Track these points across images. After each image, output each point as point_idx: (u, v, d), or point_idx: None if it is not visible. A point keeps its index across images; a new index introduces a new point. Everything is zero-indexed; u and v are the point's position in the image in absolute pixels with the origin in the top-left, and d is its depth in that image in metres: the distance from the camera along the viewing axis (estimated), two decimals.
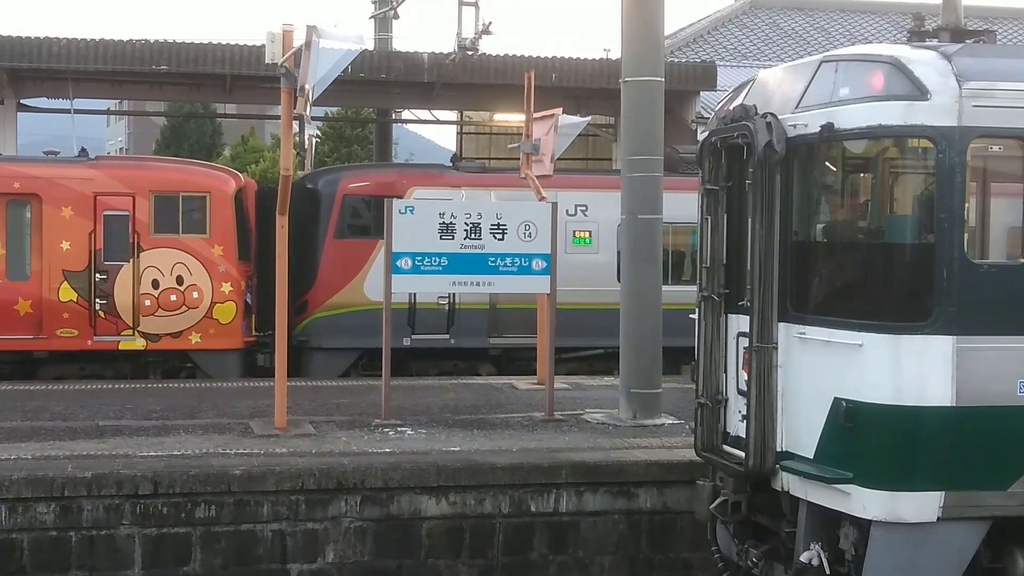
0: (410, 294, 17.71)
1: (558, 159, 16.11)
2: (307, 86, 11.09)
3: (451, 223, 12.78)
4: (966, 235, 7.81)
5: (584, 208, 19.08)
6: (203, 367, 18.00)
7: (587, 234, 19.17)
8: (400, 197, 17.60)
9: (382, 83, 22.48)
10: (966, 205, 7.77)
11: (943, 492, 7.64)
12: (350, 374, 18.65)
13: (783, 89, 8.83)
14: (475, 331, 18.94)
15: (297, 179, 17.90)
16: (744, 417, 8.61)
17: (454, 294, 18.14)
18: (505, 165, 21.65)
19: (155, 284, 17.64)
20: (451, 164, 20.26)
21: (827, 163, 8.65)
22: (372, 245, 18.03)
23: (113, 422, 12.67)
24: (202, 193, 18.04)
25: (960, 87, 7.58)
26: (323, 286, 18.81)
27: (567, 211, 18.44)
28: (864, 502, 7.73)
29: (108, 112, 30.32)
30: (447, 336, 18.88)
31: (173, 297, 17.70)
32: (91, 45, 20.86)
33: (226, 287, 17.86)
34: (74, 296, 17.41)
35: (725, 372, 9.12)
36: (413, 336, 18.60)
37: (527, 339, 17.61)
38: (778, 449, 8.44)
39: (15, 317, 17.30)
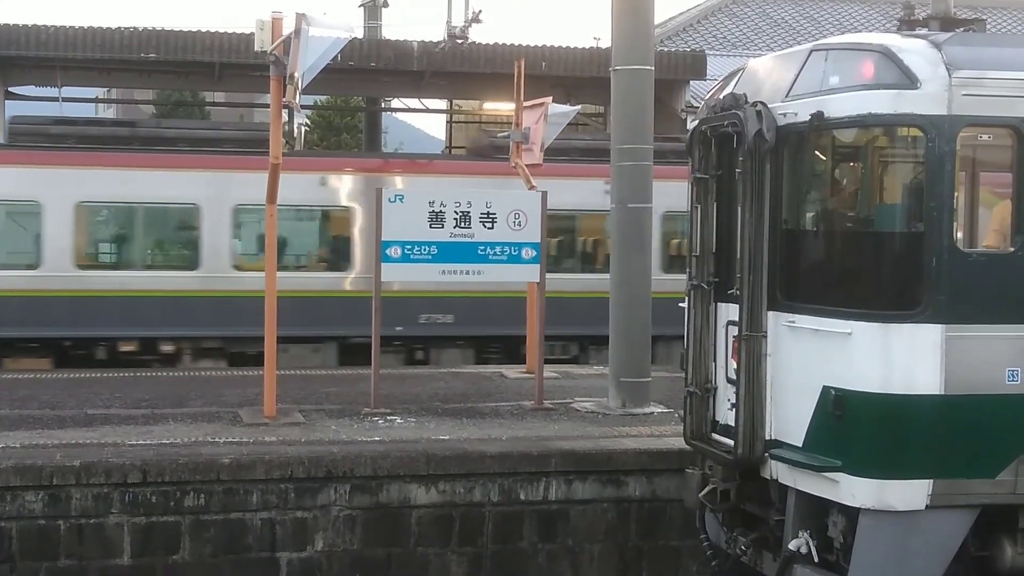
0: None
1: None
2: (296, 74, 11.06)
3: (440, 211, 12.75)
4: (955, 224, 7.83)
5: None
6: None
7: None
8: None
9: (371, 71, 22.41)
10: (955, 194, 7.79)
11: (931, 480, 7.65)
12: None
13: (773, 78, 8.82)
14: None
15: None
16: (733, 405, 8.62)
17: None
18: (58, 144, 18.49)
19: None
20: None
21: (817, 152, 8.64)
22: None
23: (102, 411, 12.63)
24: None
25: (950, 76, 7.58)
26: None
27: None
28: (853, 490, 7.74)
29: (96, 100, 30.13)
30: None
31: None
32: (79, 33, 20.77)
33: None
34: None
35: (714, 361, 9.13)
36: None
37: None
38: (767, 437, 8.46)
39: None
